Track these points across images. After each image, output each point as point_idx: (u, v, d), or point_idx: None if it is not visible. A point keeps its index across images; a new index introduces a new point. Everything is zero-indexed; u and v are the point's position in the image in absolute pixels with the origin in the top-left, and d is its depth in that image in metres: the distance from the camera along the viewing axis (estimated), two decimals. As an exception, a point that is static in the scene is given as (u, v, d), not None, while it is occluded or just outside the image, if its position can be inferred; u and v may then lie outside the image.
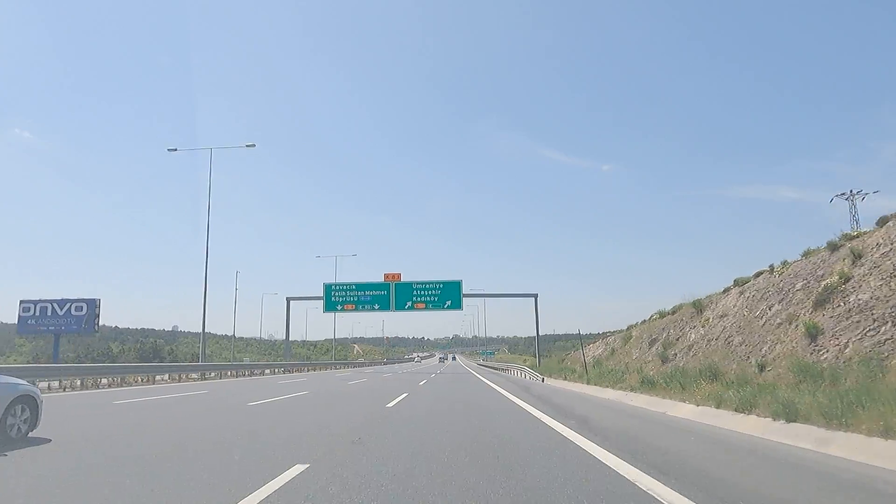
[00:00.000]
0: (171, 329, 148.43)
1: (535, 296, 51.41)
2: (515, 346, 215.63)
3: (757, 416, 8.78)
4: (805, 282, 13.99)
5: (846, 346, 10.38)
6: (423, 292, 49.67)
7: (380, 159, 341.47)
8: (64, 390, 19.89)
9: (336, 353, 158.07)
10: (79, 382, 21.35)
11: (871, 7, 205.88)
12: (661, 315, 25.09)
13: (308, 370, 52.88)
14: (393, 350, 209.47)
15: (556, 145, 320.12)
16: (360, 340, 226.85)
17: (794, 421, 7.74)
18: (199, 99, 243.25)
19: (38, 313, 42.36)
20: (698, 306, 20.73)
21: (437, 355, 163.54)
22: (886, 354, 9.17)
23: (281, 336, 69.05)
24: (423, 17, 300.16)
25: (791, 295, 14.16)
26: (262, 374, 42.69)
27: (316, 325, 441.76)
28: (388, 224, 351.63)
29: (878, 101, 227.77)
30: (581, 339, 33.73)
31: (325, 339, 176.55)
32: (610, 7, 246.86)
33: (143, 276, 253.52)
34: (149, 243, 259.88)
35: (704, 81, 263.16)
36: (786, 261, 16.34)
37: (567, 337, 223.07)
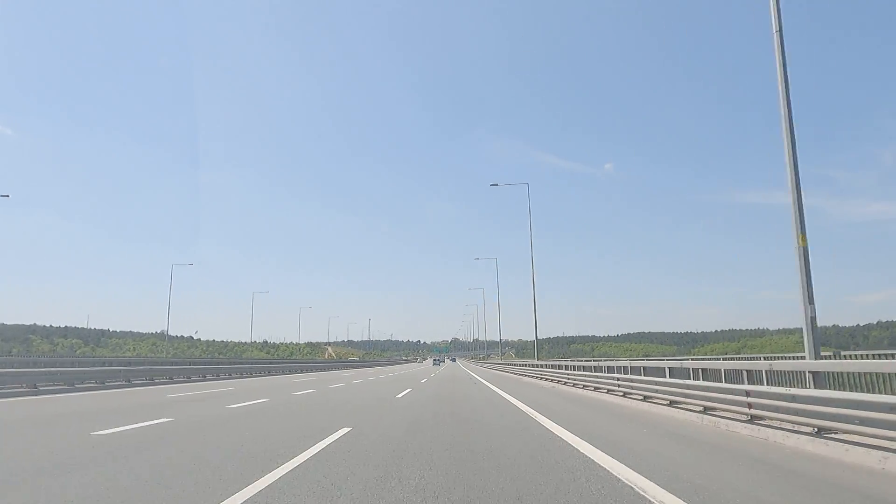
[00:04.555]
0: None
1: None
2: (524, 350, 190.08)
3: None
4: None
5: None
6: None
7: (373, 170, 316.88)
8: None
9: (305, 356, 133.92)
10: None
11: (870, 9, 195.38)
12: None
13: (248, 376, 37.81)
14: (384, 353, 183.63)
15: (552, 149, 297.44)
16: (351, 343, 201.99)
17: None
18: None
19: None
20: None
21: (431, 358, 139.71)
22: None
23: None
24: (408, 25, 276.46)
25: None
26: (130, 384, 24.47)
27: (303, 326, 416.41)
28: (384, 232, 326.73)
29: (878, 105, 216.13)
30: None
31: (306, 342, 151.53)
32: (605, 8, 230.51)
33: None
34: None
35: (700, 82, 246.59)
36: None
37: (582, 339, 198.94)
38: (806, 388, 8.82)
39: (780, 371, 10.26)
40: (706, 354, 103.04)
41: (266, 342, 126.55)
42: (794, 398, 7.50)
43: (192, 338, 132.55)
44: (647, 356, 78.39)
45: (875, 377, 8.61)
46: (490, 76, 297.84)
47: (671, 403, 11.96)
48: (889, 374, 8.17)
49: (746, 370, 10.93)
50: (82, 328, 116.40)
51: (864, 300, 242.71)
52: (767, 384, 10.05)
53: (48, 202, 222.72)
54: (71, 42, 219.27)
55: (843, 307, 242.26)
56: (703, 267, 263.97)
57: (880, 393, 8.12)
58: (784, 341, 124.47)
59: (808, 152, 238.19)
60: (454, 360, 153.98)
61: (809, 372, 9.22)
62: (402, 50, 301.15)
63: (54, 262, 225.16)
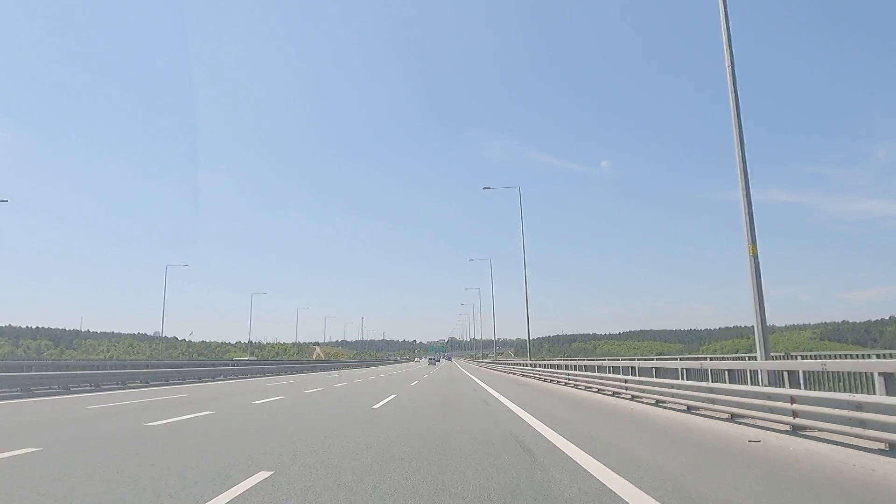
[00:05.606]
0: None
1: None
2: (522, 350, 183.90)
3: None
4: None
5: None
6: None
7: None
8: None
9: (292, 356, 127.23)
10: None
11: (863, 9, 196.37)
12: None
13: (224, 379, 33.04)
14: (378, 353, 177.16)
15: (548, 148, 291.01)
16: (344, 343, 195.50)
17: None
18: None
19: None
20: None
21: (426, 357, 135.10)
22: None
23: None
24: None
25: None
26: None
27: (297, 327, 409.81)
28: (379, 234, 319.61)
29: (871, 103, 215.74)
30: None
31: (293, 343, 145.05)
32: (600, 8, 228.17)
33: None
34: None
35: (694, 81, 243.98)
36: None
37: (583, 337, 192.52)
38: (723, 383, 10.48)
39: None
40: (715, 352, 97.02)
41: (251, 342, 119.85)
42: (711, 390, 9.46)
43: (176, 338, 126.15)
44: (659, 355, 72.18)
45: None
46: (483, 77, 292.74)
47: None
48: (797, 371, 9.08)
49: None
50: (55, 329, 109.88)
51: (859, 297, 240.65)
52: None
53: (41, 205, 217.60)
54: (61, 46, 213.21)
55: (837, 304, 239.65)
56: (696, 265, 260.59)
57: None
58: (797, 337, 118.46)
59: (802, 151, 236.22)
60: (450, 359, 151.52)
61: (726, 370, 11.20)
62: (394, 53, 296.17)
63: (48, 265, 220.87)
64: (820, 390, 8.29)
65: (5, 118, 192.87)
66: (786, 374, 9.42)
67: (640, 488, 4.82)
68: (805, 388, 8.66)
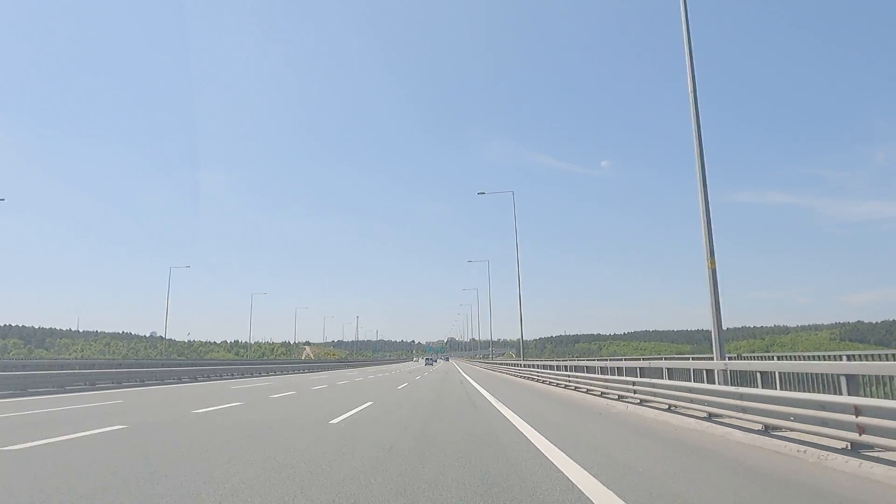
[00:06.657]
0: None
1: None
2: (524, 350, 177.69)
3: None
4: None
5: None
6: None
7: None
8: None
9: (279, 355, 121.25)
10: None
11: (863, 10, 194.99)
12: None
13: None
14: (374, 354, 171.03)
15: (546, 150, 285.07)
16: (341, 344, 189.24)
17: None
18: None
19: None
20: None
21: (424, 357, 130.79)
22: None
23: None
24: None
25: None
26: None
27: (293, 326, 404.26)
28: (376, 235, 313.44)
29: (870, 106, 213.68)
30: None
31: (282, 342, 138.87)
32: (598, 8, 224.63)
33: None
34: None
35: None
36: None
37: (586, 338, 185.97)
38: (662, 379, 12.30)
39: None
40: (729, 353, 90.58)
41: (237, 342, 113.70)
42: (654, 385, 11.43)
43: (162, 337, 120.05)
44: (679, 354, 65.64)
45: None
46: (482, 78, 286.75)
47: None
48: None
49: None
50: (27, 327, 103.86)
51: (858, 300, 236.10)
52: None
53: (40, 205, 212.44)
54: (60, 46, 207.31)
55: (835, 307, 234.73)
56: (696, 267, 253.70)
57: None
58: (815, 338, 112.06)
59: (801, 153, 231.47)
60: (447, 359, 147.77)
61: (665, 369, 13.12)
62: (394, 54, 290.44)
63: (45, 264, 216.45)
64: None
65: (4, 117, 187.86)
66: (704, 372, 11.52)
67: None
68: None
